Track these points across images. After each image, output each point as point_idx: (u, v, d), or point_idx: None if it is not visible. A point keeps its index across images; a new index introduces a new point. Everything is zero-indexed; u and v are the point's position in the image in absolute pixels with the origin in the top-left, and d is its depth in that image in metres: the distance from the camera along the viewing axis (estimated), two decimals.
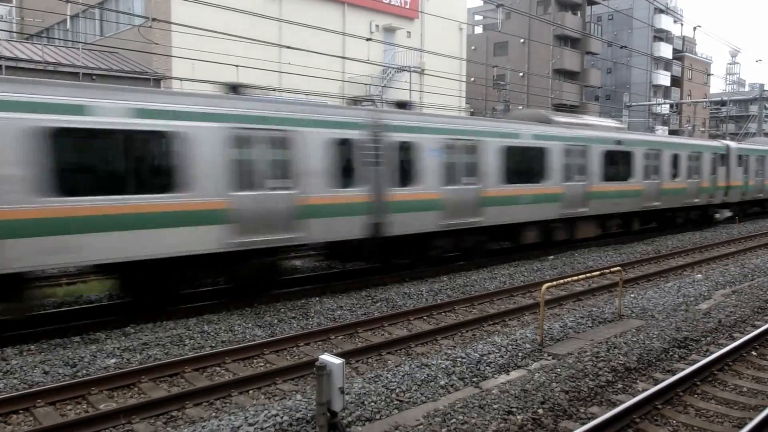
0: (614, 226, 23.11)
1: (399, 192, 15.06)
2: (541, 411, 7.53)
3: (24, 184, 9.88)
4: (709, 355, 9.51)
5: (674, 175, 25.17)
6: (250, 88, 13.61)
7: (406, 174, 15.27)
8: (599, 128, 22.05)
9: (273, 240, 12.86)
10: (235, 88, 13.16)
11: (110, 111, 10.66)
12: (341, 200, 13.97)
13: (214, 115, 11.96)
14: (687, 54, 79.10)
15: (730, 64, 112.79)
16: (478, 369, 9.23)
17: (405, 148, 15.24)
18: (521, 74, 51.58)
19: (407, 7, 37.95)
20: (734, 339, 10.65)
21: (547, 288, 10.73)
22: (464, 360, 9.45)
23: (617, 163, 21.97)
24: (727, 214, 31.35)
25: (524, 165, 18.45)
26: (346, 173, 14.07)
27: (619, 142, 22.10)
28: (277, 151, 12.88)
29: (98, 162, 10.85)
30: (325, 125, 13.68)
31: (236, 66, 21.28)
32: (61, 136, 10.24)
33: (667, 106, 71.64)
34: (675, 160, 25.11)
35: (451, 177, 16.29)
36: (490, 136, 17.29)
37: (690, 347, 10.24)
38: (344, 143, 14.04)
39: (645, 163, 23.30)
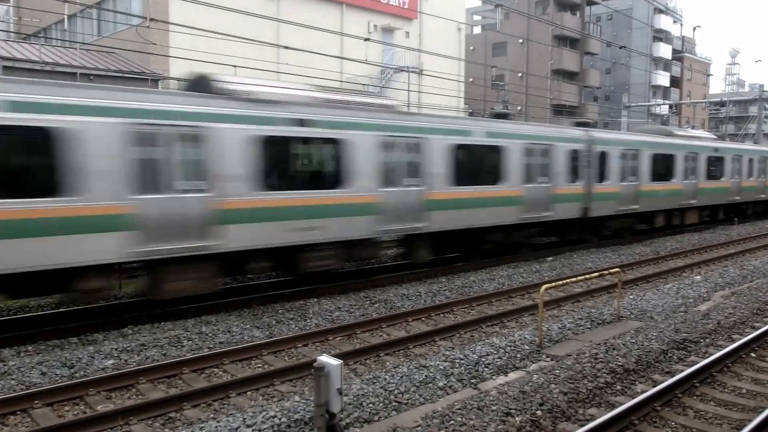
0: (706, 215, 29.11)
1: (598, 186, 21.16)
2: (539, 412, 7.51)
3: (444, 178, 16.08)
4: (708, 357, 9.48)
5: (749, 175, 31.57)
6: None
7: (602, 174, 21.28)
8: (703, 139, 28.57)
9: (539, 216, 19.00)
10: (505, 116, 20.62)
11: (479, 133, 16.95)
12: (571, 191, 20.12)
13: (517, 134, 18.22)
14: (686, 54, 79.15)
15: (730, 64, 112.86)
16: (477, 370, 9.21)
17: (602, 155, 21.32)
18: (520, 75, 51.59)
19: (405, 7, 37.93)
20: (733, 341, 10.64)
21: (546, 289, 10.71)
22: (463, 361, 9.44)
23: (714, 166, 28.14)
24: None
25: (661, 167, 24.36)
26: (573, 173, 20.12)
27: (716, 149, 28.27)
28: (544, 158, 19.01)
29: (476, 164, 17.11)
30: (567, 140, 19.86)
31: (234, 66, 21.25)
32: (459, 149, 16.48)
33: (666, 106, 71.66)
34: (750, 163, 31.57)
35: (623, 176, 22.31)
36: (645, 146, 23.42)
37: (689, 349, 10.22)
38: (574, 152, 20.13)
39: (731, 165, 29.63)
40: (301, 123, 13.09)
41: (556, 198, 19.46)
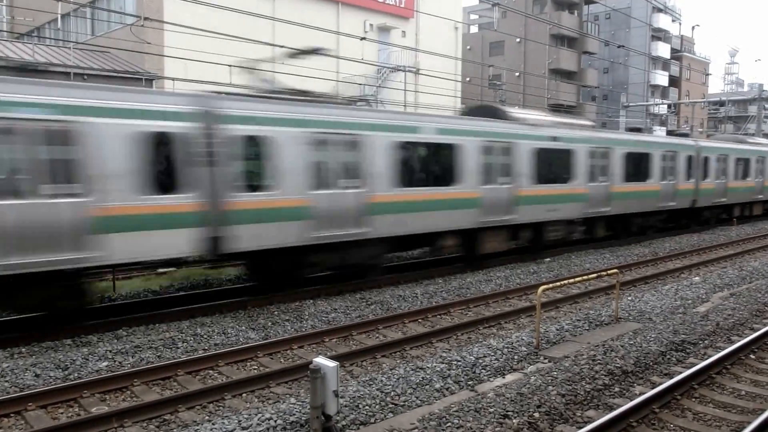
0: (767, 208, 35.17)
1: (702, 183, 27.04)
2: (537, 415, 7.47)
3: (620, 176, 22.05)
4: (707, 359, 9.44)
5: None
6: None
7: (705, 173, 27.34)
8: (765, 145, 34.59)
9: (668, 205, 25.06)
10: (640, 130, 25.90)
11: (638, 144, 23.18)
12: (687, 187, 26.10)
13: (658, 144, 24.50)
14: (685, 54, 79.09)
15: (729, 63, 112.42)
16: (474, 372, 9.17)
17: (706, 159, 27.27)
18: (517, 74, 51.55)
19: (402, 6, 37.86)
20: (732, 342, 10.60)
21: (544, 290, 10.68)
22: (460, 363, 9.40)
23: None
24: None
25: (741, 169, 30.39)
26: (688, 173, 26.13)
27: None
28: (672, 162, 24.99)
29: (636, 166, 22.78)
30: (685, 148, 25.84)
31: (229, 66, 21.10)
32: (629, 155, 22.39)
33: (665, 106, 71.65)
34: None
35: (717, 175, 28.29)
36: (732, 152, 29.51)
37: (688, 350, 10.18)
38: (689, 157, 26.12)
39: None
40: (554, 139, 19.25)
41: (678, 192, 25.45)
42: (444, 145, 15.99)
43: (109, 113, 10.61)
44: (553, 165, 19.25)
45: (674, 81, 76.94)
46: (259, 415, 7.45)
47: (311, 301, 13.83)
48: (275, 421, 7.28)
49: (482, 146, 16.85)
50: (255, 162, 12.45)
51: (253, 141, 12.34)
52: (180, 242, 11.50)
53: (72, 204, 10.25)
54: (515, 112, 19.38)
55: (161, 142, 11.20)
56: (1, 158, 9.83)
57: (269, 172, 12.63)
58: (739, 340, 10.45)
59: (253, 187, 12.43)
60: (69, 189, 10.28)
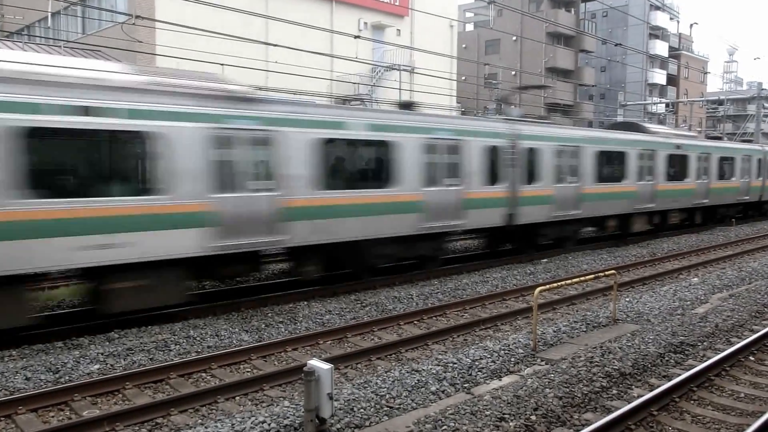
0: None
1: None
2: (534, 417, 7.41)
3: (714, 175, 28.31)
4: (705, 360, 9.40)
5: None
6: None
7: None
8: None
9: (744, 199, 31.38)
10: (719, 138, 30.93)
11: (726, 150, 29.64)
12: (757, 185, 32.21)
13: (739, 149, 30.76)
14: (683, 52, 79.14)
15: (728, 62, 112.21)
16: (470, 374, 9.09)
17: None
18: (513, 73, 51.48)
19: (397, 4, 37.75)
20: (732, 344, 10.54)
21: (541, 292, 10.61)
22: (456, 365, 9.31)
23: None
24: None
25: None
26: (759, 173, 32.03)
27: None
28: (748, 164, 31.38)
29: (723, 168, 29.14)
30: (758, 152, 32.20)
31: (222, 65, 20.97)
32: (722, 160, 29.14)
33: (663, 105, 71.70)
34: None
35: None
36: None
37: (686, 352, 10.12)
38: (759, 160, 32.12)
39: None
40: (677, 147, 25.18)
41: (751, 188, 31.58)
42: (619, 152, 22.27)
43: (476, 134, 16.95)
44: (676, 167, 25.19)
45: (672, 79, 77.01)
46: (253, 418, 7.38)
47: (305, 302, 13.74)
48: (269, 425, 7.20)
49: (638, 153, 22.98)
50: (531, 165, 18.66)
51: (531, 151, 18.67)
52: (497, 216, 17.73)
53: (457, 191, 16.38)
54: (651, 126, 25.94)
55: (493, 152, 17.49)
56: (437, 162, 16.08)
57: (537, 171, 18.88)
58: (738, 342, 10.39)
59: (529, 181, 18.57)
60: (455, 182, 16.40)
